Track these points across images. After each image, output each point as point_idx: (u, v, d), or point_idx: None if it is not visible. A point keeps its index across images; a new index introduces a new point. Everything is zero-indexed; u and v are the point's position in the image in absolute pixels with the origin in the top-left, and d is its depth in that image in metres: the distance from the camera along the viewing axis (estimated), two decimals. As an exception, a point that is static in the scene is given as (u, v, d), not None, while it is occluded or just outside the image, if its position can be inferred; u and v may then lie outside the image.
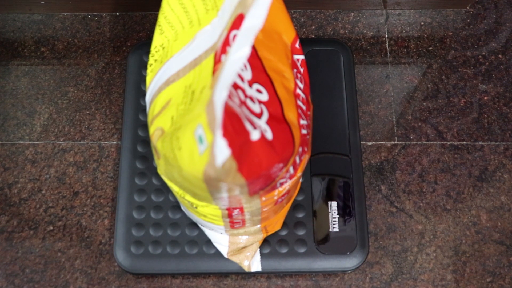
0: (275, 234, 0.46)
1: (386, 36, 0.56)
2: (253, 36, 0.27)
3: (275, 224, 0.44)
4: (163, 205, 0.47)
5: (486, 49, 0.56)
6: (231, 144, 0.25)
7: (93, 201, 0.50)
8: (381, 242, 0.48)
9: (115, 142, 0.52)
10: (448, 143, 0.52)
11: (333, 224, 0.47)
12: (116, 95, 0.54)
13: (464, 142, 0.52)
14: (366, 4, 0.56)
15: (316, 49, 0.53)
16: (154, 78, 0.35)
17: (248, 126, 0.27)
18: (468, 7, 0.57)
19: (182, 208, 0.44)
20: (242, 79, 0.29)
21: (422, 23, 0.57)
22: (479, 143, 0.52)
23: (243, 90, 0.29)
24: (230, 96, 0.26)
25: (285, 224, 0.47)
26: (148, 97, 0.35)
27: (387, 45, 0.55)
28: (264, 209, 0.37)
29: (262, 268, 0.45)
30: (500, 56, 0.55)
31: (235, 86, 0.28)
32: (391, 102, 0.53)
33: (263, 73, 0.32)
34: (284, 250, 0.46)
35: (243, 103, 0.28)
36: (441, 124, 0.53)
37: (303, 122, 0.34)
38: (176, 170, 0.30)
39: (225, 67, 0.26)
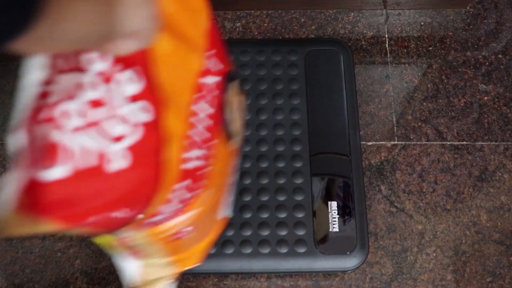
0: (275, 234, 0.46)
1: (386, 36, 0.56)
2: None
3: (189, 259, 0.41)
4: (163, 205, 0.47)
5: (486, 49, 0.56)
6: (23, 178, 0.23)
7: (93, 201, 0.50)
8: (381, 242, 0.48)
9: (115, 142, 0.52)
10: (448, 143, 0.52)
11: (333, 224, 0.47)
12: (116, 95, 0.54)
13: (464, 142, 0.52)
14: (366, 4, 0.56)
15: (316, 49, 0.53)
16: None
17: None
18: (468, 7, 0.57)
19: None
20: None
21: (422, 23, 0.57)
22: (479, 143, 0.52)
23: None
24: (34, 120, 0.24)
25: (285, 224, 0.47)
26: None
27: (387, 45, 0.55)
28: (158, 245, 0.35)
29: (262, 268, 0.45)
30: (500, 56, 0.55)
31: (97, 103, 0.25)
32: (391, 102, 0.53)
33: (152, 94, 0.27)
34: (284, 250, 0.46)
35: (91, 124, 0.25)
36: (441, 124, 0.53)
37: (194, 153, 0.30)
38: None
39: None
